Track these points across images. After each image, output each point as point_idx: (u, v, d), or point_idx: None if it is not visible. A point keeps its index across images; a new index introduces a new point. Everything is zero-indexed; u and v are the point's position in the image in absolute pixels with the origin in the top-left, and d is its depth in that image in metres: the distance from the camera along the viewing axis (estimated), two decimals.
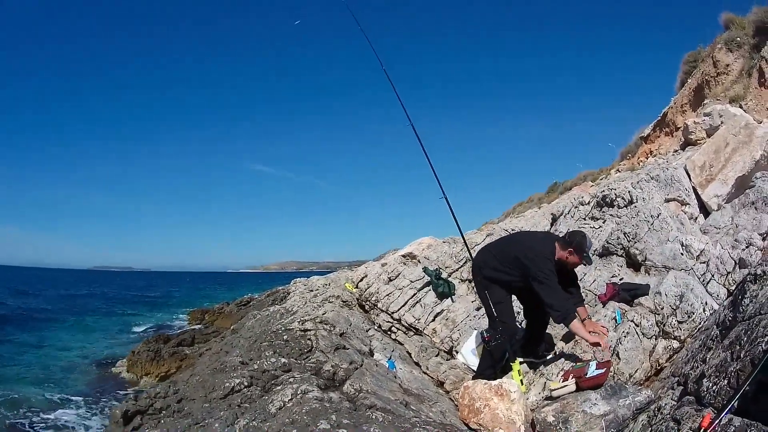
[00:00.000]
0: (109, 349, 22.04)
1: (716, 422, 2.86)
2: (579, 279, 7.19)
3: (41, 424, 11.43)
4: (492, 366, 5.86)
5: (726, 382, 3.32)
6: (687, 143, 12.87)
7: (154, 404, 4.72)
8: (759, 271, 4.32)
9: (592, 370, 4.84)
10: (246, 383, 4.75)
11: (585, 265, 5.91)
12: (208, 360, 8.79)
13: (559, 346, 6.15)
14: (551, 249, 5.65)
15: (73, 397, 13.74)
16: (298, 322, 6.78)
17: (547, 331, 6.41)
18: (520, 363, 5.77)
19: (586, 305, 6.17)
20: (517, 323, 6.68)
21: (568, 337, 6.25)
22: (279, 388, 4.51)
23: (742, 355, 3.36)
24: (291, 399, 4.18)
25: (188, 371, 8.64)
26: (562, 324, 5.52)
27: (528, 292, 5.79)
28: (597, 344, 5.34)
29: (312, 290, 12.45)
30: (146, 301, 53.93)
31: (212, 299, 43.69)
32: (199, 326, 23.70)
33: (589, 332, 5.43)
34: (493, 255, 5.98)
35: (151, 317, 36.58)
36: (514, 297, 6.10)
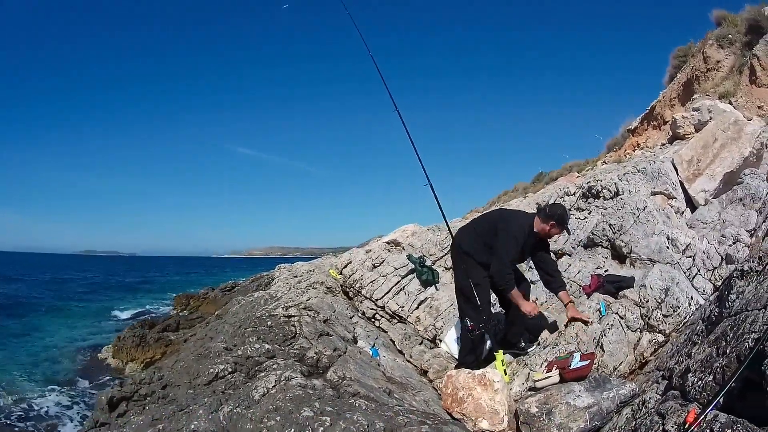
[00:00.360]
0: (94, 335, 22.04)
1: (702, 418, 2.85)
2: (564, 270, 7.25)
3: (27, 412, 11.40)
4: (474, 355, 5.86)
5: (711, 377, 3.32)
6: (675, 137, 12.88)
7: (139, 390, 4.70)
8: (746, 267, 4.33)
9: (576, 362, 4.82)
10: (230, 369, 4.73)
11: (567, 234, 6.17)
12: (192, 346, 8.75)
13: (543, 336, 6.13)
14: (528, 223, 5.87)
15: (59, 384, 13.71)
16: (282, 308, 6.75)
17: (530, 323, 6.43)
18: (504, 353, 5.75)
19: (571, 296, 6.25)
20: (498, 312, 6.72)
21: (552, 327, 6.25)
22: (263, 374, 4.47)
23: (728, 351, 3.36)
24: (274, 386, 4.15)
25: (173, 357, 8.62)
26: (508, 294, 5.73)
27: None
28: (529, 312, 5.71)
29: (296, 276, 12.45)
30: (131, 286, 53.56)
31: (197, 284, 43.58)
32: (184, 312, 23.64)
33: (526, 302, 5.77)
34: (474, 229, 6.10)
35: (137, 302, 36.48)
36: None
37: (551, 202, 10.15)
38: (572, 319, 5.87)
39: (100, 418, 4.44)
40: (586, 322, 5.80)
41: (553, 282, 6.04)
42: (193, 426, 3.60)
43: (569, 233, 5.99)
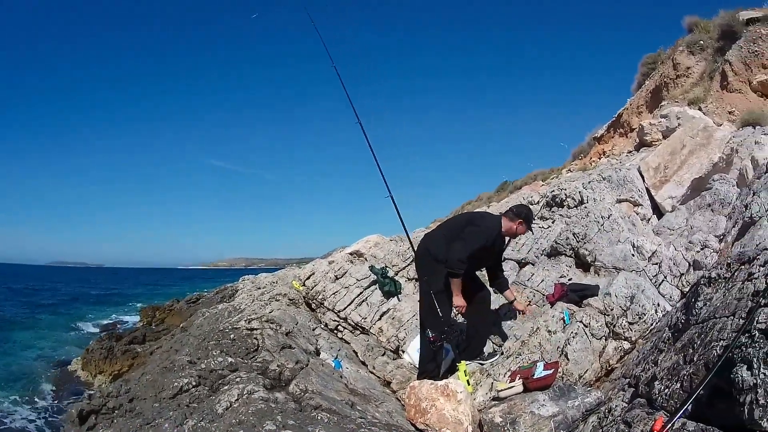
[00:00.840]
0: (63, 347, 21.88)
1: (669, 426, 2.75)
2: (527, 279, 7.29)
3: None
4: (437, 365, 5.80)
5: (679, 385, 3.24)
6: (642, 144, 12.98)
7: (107, 404, 4.70)
8: (713, 274, 4.25)
9: (540, 371, 4.79)
10: (194, 383, 4.74)
11: (531, 233, 6.37)
12: (158, 359, 8.69)
13: (506, 346, 6.05)
14: (497, 223, 5.97)
15: (28, 397, 13.57)
16: (245, 320, 6.76)
17: (492, 333, 6.45)
18: (467, 363, 5.66)
19: (534, 305, 6.56)
20: (461, 322, 6.69)
21: (515, 336, 6.17)
22: (226, 387, 4.47)
23: (695, 359, 3.29)
24: (237, 399, 4.14)
25: (140, 370, 8.66)
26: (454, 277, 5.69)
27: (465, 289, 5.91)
28: (458, 306, 5.78)
29: (259, 288, 12.45)
30: (99, 297, 53.35)
31: (163, 296, 43.60)
32: (150, 324, 23.69)
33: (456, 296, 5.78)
34: (442, 234, 6.05)
35: (104, 314, 36.27)
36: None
37: None
38: (522, 313, 6.31)
39: None
40: (524, 312, 6.27)
41: (501, 281, 6.30)
42: None
43: (533, 233, 6.01)
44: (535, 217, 9.28)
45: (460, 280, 5.65)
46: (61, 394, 13.92)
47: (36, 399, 13.32)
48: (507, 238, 6.18)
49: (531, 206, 9.88)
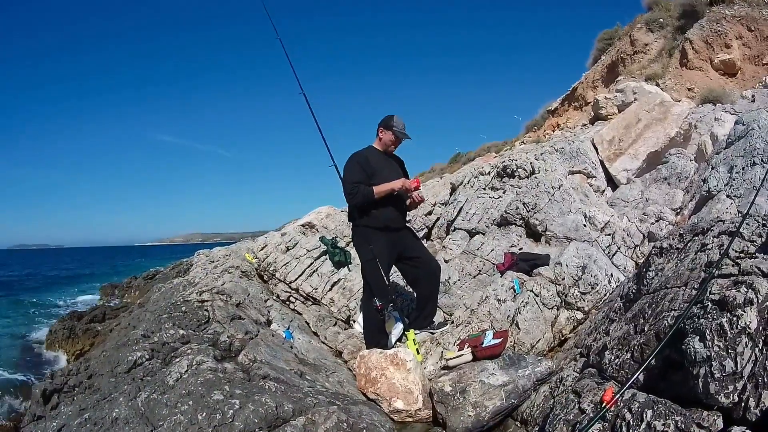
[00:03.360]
0: (26, 328, 21.66)
1: (618, 396, 2.72)
2: (477, 248, 7.38)
3: None
4: (382, 334, 5.74)
5: (629, 355, 3.23)
6: (597, 118, 13.07)
7: (68, 382, 4.70)
8: (665, 245, 4.26)
9: (489, 340, 4.75)
10: (147, 356, 4.68)
11: (402, 138, 5.89)
12: (116, 335, 8.74)
13: (456, 315, 6.01)
14: (361, 149, 5.87)
15: None
16: (196, 293, 6.67)
17: (441, 302, 6.39)
18: (416, 333, 5.63)
19: (484, 274, 6.45)
20: (408, 291, 6.68)
21: (465, 305, 6.15)
22: (177, 360, 4.41)
23: (646, 329, 3.28)
24: (187, 370, 4.11)
25: (100, 347, 8.56)
26: (355, 202, 5.59)
27: (406, 260, 5.89)
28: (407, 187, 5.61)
29: (213, 261, 12.36)
30: (60, 278, 53.46)
31: (121, 273, 43.38)
32: (109, 301, 23.61)
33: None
34: None
35: (65, 294, 36.08)
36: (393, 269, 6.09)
37: (466, 181, 10.12)
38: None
39: (36, 412, 4.43)
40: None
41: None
42: (114, 413, 3.58)
43: (404, 136, 5.83)
44: (486, 188, 9.26)
45: (376, 187, 5.52)
46: (25, 376, 13.68)
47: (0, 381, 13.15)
48: (389, 151, 5.94)
49: (482, 176, 9.86)
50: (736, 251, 3.21)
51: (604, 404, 2.74)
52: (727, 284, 2.85)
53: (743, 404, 2.28)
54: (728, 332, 2.47)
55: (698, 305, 2.82)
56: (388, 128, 5.76)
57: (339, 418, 3.40)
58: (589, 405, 3.03)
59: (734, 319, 2.50)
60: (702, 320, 2.64)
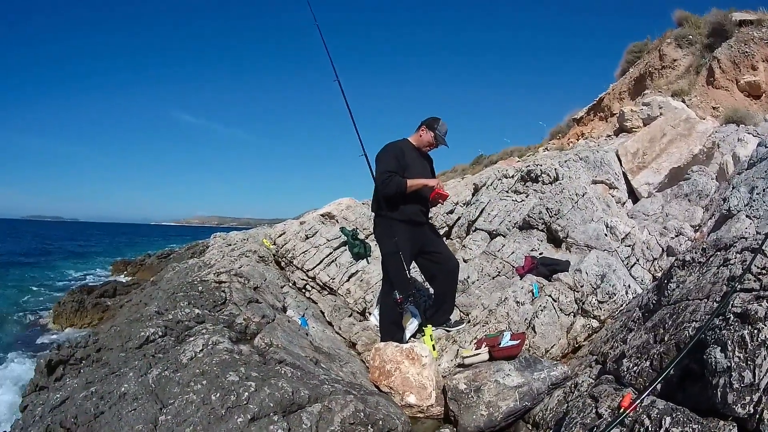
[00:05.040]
0: (36, 299, 21.89)
1: (638, 402, 2.74)
2: (497, 250, 7.46)
3: None
4: (399, 329, 5.78)
5: (648, 363, 3.24)
6: (621, 130, 13.03)
7: (75, 354, 4.72)
8: (687, 258, 4.28)
9: (506, 341, 4.77)
10: (160, 333, 4.70)
11: (441, 143, 5.95)
12: (127, 311, 8.85)
13: (473, 314, 6.04)
14: (396, 141, 5.91)
15: None
16: (214, 274, 6.73)
17: (458, 302, 6.42)
18: (433, 329, 5.65)
19: (503, 276, 6.45)
20: (427, 288, 6.71)
21: (483, 305, 6.17)
22: (191, 339, 4.42)
23: (666, 339, 3.30)
24: (202, 350, 4.11)
25: (109, 322, 8.60)
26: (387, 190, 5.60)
27: (426, 255, 5.95)
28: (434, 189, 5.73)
29: (230, 245, 12.43)
30: (73, 251, 53.73)
31: (135, 250, 43.45)
32: (121, 278, 23.68)
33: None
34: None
35: (77, 268, 36.36)
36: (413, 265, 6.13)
37: (489, 183, 10.12)
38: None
39: (39, 382, 4.47)
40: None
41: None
42: (123, 389, 3.56)
43: (443, 142, 5.92)
44: (509, 190, 9.27)
45: (407, 180, 5.58)
46: (31, 346, 13.82)
47: (5, 351, 13.16)
48: (424, 150, 6.00)
49: (505, 179, 9.86)
50: (758, 267, 3.23)
51: (622, 409, 2.76)
52: (749, 298, 2.87)
53: (758, 416, 2.30)
54: (749, 344, 2.49)
55: (720, 317, 2.85)
56: (432, 129, 5.81)
57: (356, 407, 3.41)
58: (606, 410, 3.05)
59: (755, 332, 2.52)
60: (724, 331, 2.67)
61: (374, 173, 5.68)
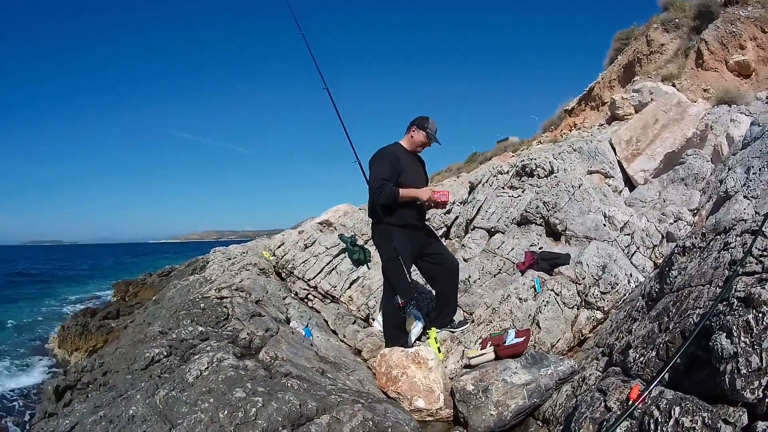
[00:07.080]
0: (40, 325, 22.06)
1: (646, 393, 2.72)
2: (497, 247, 7.41)
3: None
4: (403, 333, 5.75)
5: (654, 353, 3.22)
6: (613, 118, 13.04)
7: (82, 378, 4.68)
8: (688, 244, 4.27)
9: (511, 339, 4.76)
10: (165, 353, 4.66)
11: (432, 141, 5.89)
12: (131, 332, 8.81)
13: (477, 314, 6.03)
14: (389, 145, 5.83)
15: (5, 376, 13.56)
16: (215, 290, 6.70)
17: (460, 302, 6.39)
18: (437, 331, 5.64)
19: (504, 273, 6.40)
20: (429, 290, 6.67)
21: (486, 304, 6.15)
22: (196, 357, 4.41)
23: (671, 327, 3.28)
24: (207, 368, 4.10)
25: (114, 344, 8.59)
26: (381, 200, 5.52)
27: (425, 257, 5.91)
28: (433, 199, 5.63)
29: (230, 258, 12.40)
30: (74, 274, 54.11)
31: (136, 270, 43.67)
32: (124, 298, 23.71)
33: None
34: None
35: (79, 291, 36.75)
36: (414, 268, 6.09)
37: (485, 180, 10.09)
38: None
39: (48, 409, 4.42)
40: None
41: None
42: (131, 411, 3.54)
43: (434, 140, 5.85)
44: (505, 186, 9.25)
45: (400, 189, 5.51)
46: (38, 372, 13.94)
47: (12, 378, 13.30)
48: (417, 151, 5.94)
49: (501, 175, 9.84)
50: (759, 249, 3.21)
51: (631, 402, 2.74)
52: (751, 281, 2.86)
53: (767, 400, 2.29)
54: (754, 328, 2.47)
55: (724, 302, 2.83)
56: (422, 129, 5.75)
57: (364, 416, 3.39)
58: (615, 403, 3.03)
59: (760, 315, 2.50)
60: (728, 317, 2.64)
61: (368, 179, 5.62)
